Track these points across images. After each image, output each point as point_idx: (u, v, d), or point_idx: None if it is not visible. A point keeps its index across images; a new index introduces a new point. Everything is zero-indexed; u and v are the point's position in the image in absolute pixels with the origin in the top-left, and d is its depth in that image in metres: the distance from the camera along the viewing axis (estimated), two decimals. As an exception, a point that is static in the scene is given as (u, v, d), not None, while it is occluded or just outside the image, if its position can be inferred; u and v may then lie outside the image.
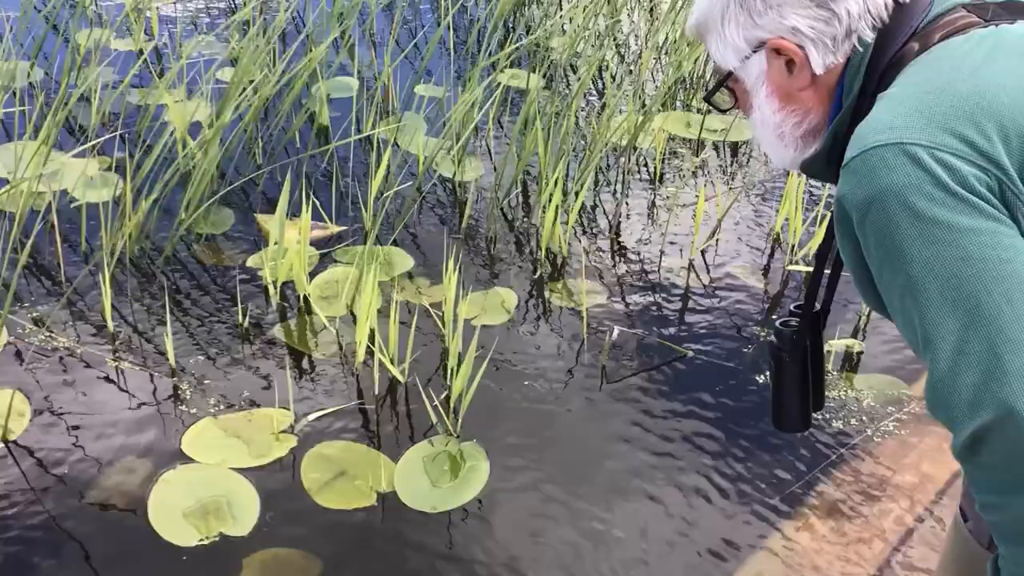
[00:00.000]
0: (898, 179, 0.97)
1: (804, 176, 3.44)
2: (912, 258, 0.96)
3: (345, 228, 3.05)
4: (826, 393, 2.54)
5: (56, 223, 2.76)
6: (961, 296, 0.94)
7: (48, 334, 2.55)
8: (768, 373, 1.37)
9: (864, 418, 2.52)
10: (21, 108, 3.32)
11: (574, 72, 4.13)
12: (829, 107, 1.17)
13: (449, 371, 2.42)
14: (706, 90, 1.26)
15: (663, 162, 3.60)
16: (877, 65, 1.12)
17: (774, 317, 1.31)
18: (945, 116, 0.98)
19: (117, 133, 3.26)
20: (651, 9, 4.70)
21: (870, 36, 1.12)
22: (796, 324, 1.33)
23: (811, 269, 2.96)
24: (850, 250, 1.06)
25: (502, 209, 3.26)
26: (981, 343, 0.93)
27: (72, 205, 2.97)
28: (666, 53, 4.15)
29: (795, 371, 1.35)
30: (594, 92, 4.06)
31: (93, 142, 2.99)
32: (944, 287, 0.95)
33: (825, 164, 1.17)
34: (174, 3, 4.41)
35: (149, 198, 2.82)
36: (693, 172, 3.59)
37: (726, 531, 2.19)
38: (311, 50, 3.73)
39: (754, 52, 1.16)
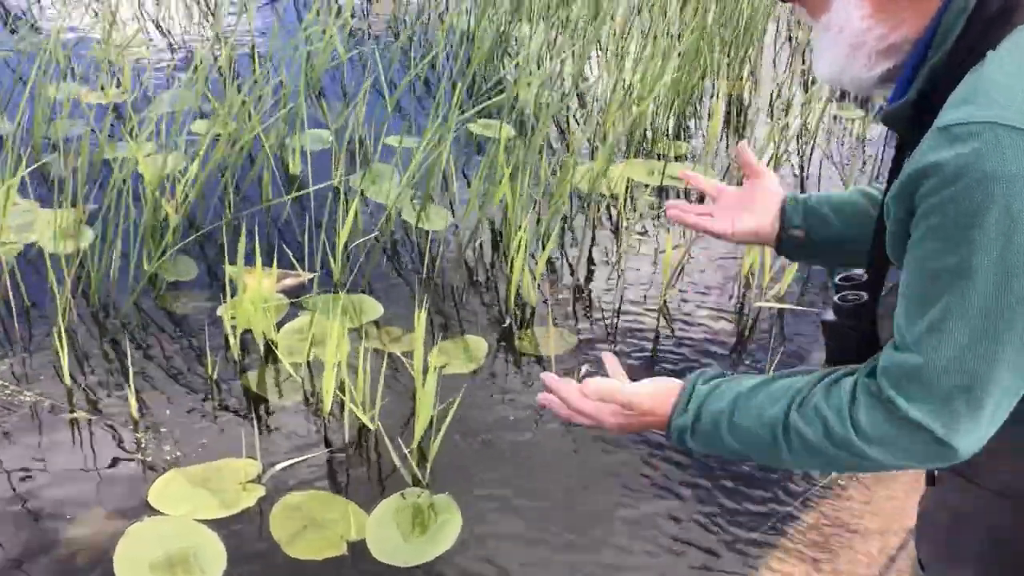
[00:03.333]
0: (1010, 171, 0.89)
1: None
2: (981, 250, 0.91)
3: (316, 274, 3.06)
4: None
5: (19, 274, 2.76)
6: (1004, 310, 0.92)
7: (11, 388, 2.53)
8: (828, 357, 1.24)
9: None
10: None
11: (540, 120, 4.20)
12: (924, 30, 1.03)
13: (418, 420, 2.42)
14: None
15: (628, 209, 3.66)
16: (984, 8, 0.99)
17: (833, 296, 1.22)
18: None
19: (87, 185, 3.27)
20: (617, 58, 4.80)
21: None
22: (855, 297, 1.20)
23: (779, 305, 3.03)
24: (901, 212, 1.00)
25: (471, 257, 3.29)
26: (984, 359, 0.94)
27: (33, 253, 2.97)
28: (630, 100, 4.23)
29: (864, 345, 1.19)
30: (560, 140, 4.13)
31: (29, 184, 3.00)
32: (997, 292, 0.92)
33: (910, 111, 1.04)
34: (147, 58, 4.44)
35: (113, 247, 2.82)
36: (656, 216, 3.64)
37: (700, 573, 2.19)
38: (285, 104, 3.77)
39: None
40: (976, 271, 0.92)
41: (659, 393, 1.20)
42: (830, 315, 1.22)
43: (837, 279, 1.23)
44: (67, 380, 2.54)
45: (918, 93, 1.02)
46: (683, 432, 1.16)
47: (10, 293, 2.78)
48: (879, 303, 1.17)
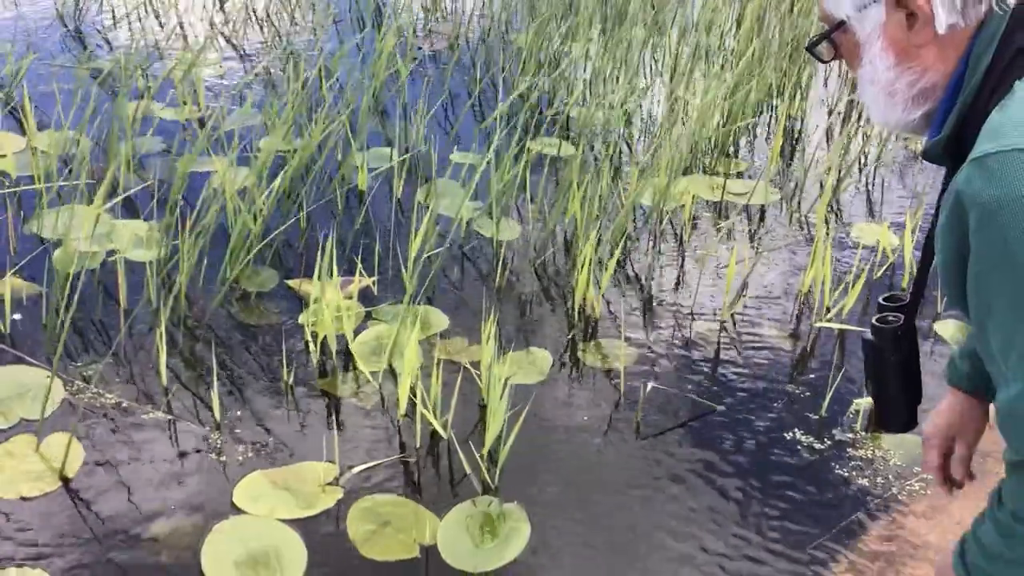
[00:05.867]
0: None
1: (828, 232, 3.53)
2: None
3: (377, 278, 3.16)
4: (856, 451, 2.62)
5: (105, 283, 2.89)
6: None
7: (101, 390, 2.65)
8: (866, 374, 1.29)
9: (891, 477, 2.57)
10: (70, 180, 3.48)
11: (601, 137, 4.27)
12: (952, 72, 1.08)
13: (488, 428, 2.50)
14: (811, 40, 1.18)
15: (691, 224, 3.71)
16: (1009, 43, 1.03)
17: (874, 318, 1.23)
18: None
19: (167, 197, 3.41)
20: (671, 75, 4.86)
21: (1010, 2, 1.03)
22: (895, 319, 1.22)
23: (841, 327, 3.06)
24: (951, 244, 1.02)
25: (536, 270, 3.37)
26: None
27: (115, 259, 3.09)
28: (687, 119, 4.29)
29: (899, 368, 1.25)
30: (621, 156, 4.19)
31: (120, 195, 3.12)
32: None
33: (943, 148, 1.09)
34: (220, 76, 4.60)
35: (196, 257, 2.95)
36: (718, 232, 3.69)
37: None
38: (349, 120, 3.88)
39: (874, 2, 1.09)
40: None
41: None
42: (870, 335, 1.26)
43: (881, 299, 1.27)
44: (164, 381, 2.66)
45: (952, 128, 1.06)
46: (962, 562, 1.15)
47: (122, 298, 2.90)
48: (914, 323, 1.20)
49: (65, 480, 2.35)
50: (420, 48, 5.10)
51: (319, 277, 2.90)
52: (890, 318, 1.23)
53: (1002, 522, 1.06)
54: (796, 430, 2.71)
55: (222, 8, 5.56)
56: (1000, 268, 0.95)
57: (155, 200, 3.42)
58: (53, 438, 2.44)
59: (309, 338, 2.80)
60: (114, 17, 5.29)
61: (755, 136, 4.59)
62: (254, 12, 5.52)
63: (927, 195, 4.12)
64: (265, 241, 3.17)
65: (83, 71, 4.46)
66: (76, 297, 2.85)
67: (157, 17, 5.36)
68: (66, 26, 5.11)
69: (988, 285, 0.97)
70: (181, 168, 3.44)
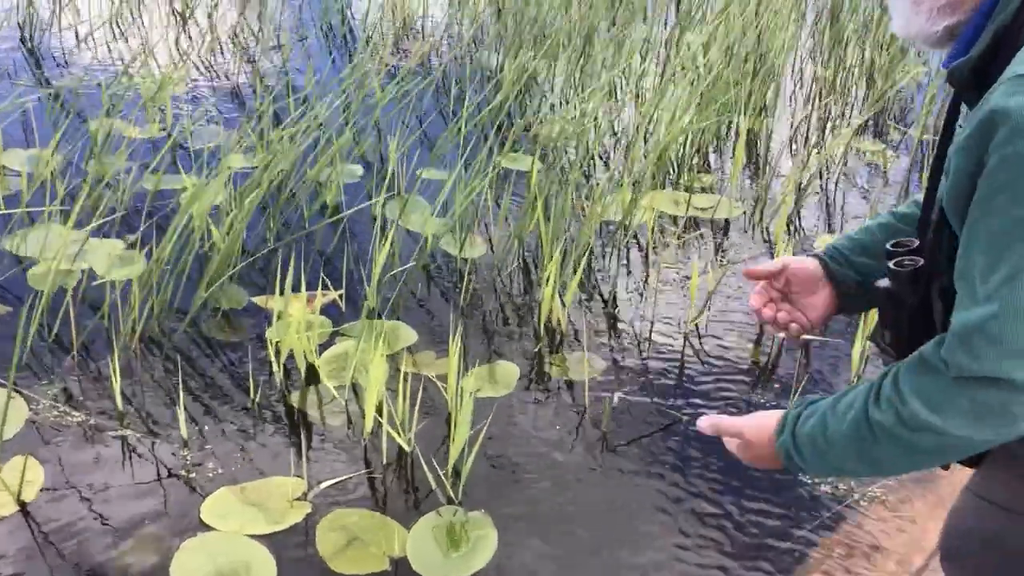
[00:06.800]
0: None
1: (789, 245, 3.59)
2: None
3: (345, 293, 3.18)
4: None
5: (76, 301, 2.89)
6: None
7: (67, 408, 2.65)
8: (882, 323, 1.24)
9: (851, 484, 2.62)
10: (49, 205, 3.47)
11: (567, 154, 4.32)
12: None
13: (454, 443, 2.52)
14: None
15: (655, 238, 3.76)
16: None
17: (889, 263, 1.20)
18: None
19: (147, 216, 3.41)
20: (637, 95, 4.93)
21: None
22: (911, 263, 1.18)
23: (803, 337, 3.11)
24: (964, 164, 1.00)
25: (503, 284, 3.40)
26: None
27: (96, 283, 3.10)
28: (652, 135, 4.36)
29: (917, 312, 1.20)
30: (587, 171, 4.24)
31: (93, 215, 3.13)
32: None
33: (971, 69, 1.06)
34: (186, 92, 4.61)
35: (168, 276, 2.95)
36: (682, 246, 3.75)
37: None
38: (322, 138, 3.91)
39: None
40: None
41: (761, 419, 1.24)
42: (886, 282, 1.22)
43: (889, 245, 1.23)
44: (119, 403, 2.66)
45: (984, 49, 1.04)
46: (788, 453, 1.17)
47: (72, 317, 2.90)
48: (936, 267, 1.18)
49: (22, 503, 2.34)
50: (390, 65, 5.13)
51: (282, 292, 2.91)
52: (906, 261, 1.19)
53: (916, 417, 1.04)
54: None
55: (184, 27, 5.57)
56: (1012, 187, 0.94)
57: (142, 220, 3.42)
58: (16, 460, 2.43)
59: (272, 355, 2.81)
60: (77, 37, 5.29)
61: (721, 151, 4.66)
62: (216, 30, 5.54)
63: (885, 200, 4.20)
64: (241, 265, 3.18)
65: (49, 90, 4.46)
66: (45, 316, 2.84)
67: (124, 36, 5.37)
68: (28, 46, 5.09)
69: (994, 202, 0.96)
70: (152, 186, 3.45)
